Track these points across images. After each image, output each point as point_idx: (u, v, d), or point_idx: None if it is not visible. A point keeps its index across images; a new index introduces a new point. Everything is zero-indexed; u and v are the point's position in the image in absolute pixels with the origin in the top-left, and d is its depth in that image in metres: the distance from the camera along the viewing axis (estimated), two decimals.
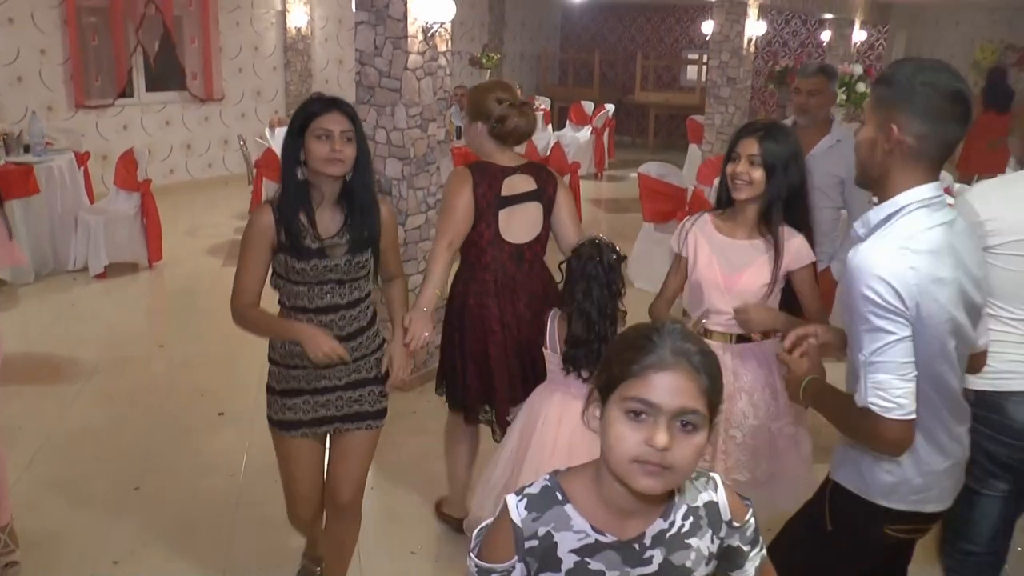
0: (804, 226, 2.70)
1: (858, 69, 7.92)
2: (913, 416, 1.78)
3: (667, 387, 1.30)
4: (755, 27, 9.87)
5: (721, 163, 2.67)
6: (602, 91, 15.61)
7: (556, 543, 1.40)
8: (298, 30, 11.96)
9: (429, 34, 4.61)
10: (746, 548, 1.49)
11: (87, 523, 3.52)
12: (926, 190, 1.82)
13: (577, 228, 3.13)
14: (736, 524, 1.46)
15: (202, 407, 4.62)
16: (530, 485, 1.45)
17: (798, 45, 15.53)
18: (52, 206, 6.88)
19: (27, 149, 7.06)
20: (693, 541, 1.42)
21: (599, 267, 2.62)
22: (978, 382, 2.28)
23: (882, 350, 1.77)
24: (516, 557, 1.41)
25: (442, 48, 4.74)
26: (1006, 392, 2.36)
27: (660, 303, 2.92)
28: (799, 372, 2.09)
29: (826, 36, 14.30)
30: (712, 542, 1.44)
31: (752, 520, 1.49)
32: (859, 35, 14.31)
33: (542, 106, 13.21)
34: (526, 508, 1.41)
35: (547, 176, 3.14)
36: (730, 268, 2.68)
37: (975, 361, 2.07)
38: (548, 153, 8.82)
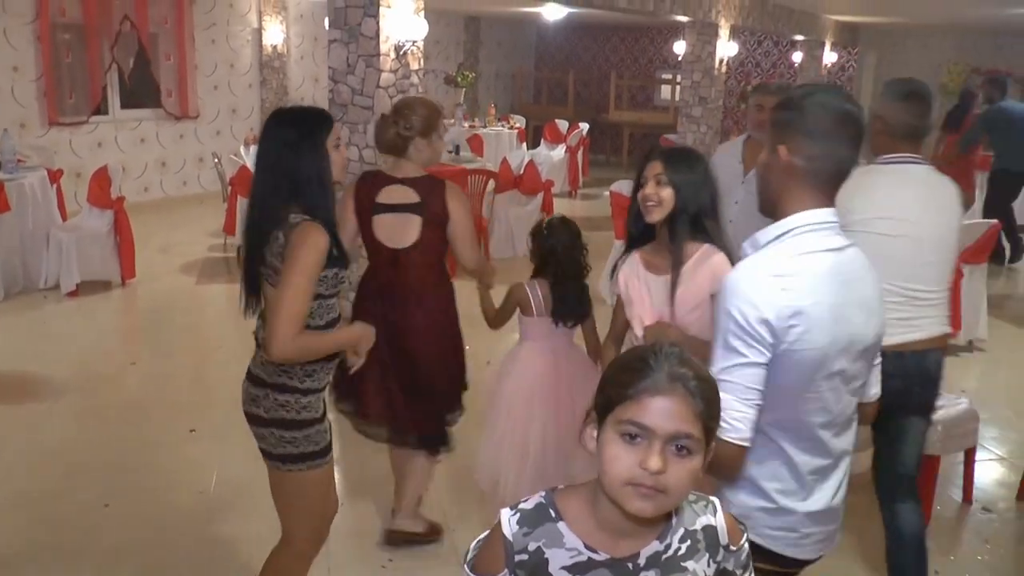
0: (719, 242, 2.57)
1: None
2: (746, 443, 1.74)
3: (662, 411, 1.30)
4: (726, 48, 10.03)
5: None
6: (576, 110, 15.73)
7: (547, 559, 1.40)
8: (274, 48, 11.99)
9: (401, 52, 4.67)
10: (739, 572, 1.49)
11: (57, 541, 3.50)
12: (817, 214, 1.79)
13: (469, 246, 3.29)
14: (732, 548, 1.46)
15: (174, 424, 4.61)
16: (525, 500, 1.46)
17: (770, 66, 15.75)
18: (23, 223, 6.83)
19: None
20: (689, 564, 1.42)
21: (573, 237, 3.26)
22: None
23: (730, 370, 1.74)
24: (506, 570, 1.42)
25: (414, 66, 4.80)
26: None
27: (608, 343, 2.92)
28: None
29: (798, 57, 14.53)
30: (708, 566, 1.43)
31: (745, 545, 1.49)
32: (830, 56, 14.55)
33: (517, 124, 13.30)
34: (518, 523, 1.42)
35: (436, 193, 3.22)
36: (662, 304, 2.58)
37: (863, 411, 2.02)
38: (522, 171, 8.88)
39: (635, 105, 16.53)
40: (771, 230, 1.82)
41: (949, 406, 3.87)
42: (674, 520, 1.43)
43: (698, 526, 1.44)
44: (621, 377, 1.35)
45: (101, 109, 10.05)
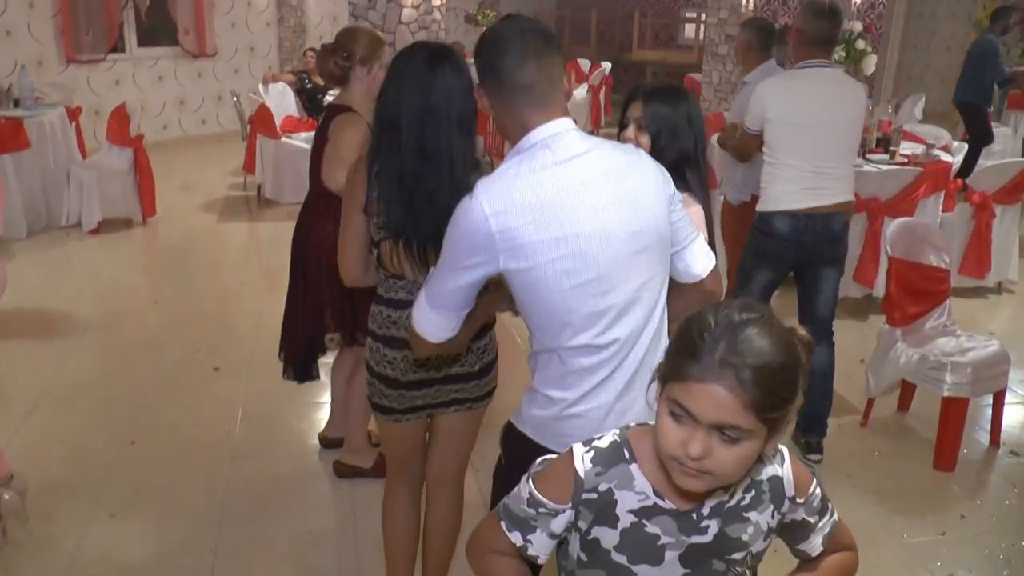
0: (700, 193, 2.42)
1: (857, 26, 7.83)
2: (438, 339, 1.83)
3: (706, 399, 1.22)
4: None
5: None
6: (599, 49, 15.44)
7: (616, 500, 1.38)
8: None
9: None
10: (812, 520, 1.45)
11: (84, 476, 3.53)
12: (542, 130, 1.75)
13: (328, 166, 3.19)
14: (799, 500, 1.41)
15: (197, 362, 4.63)
16: (599, 437, 1.42)
17: (797, 3, 15.36)
18: (44, 161, 6.82)
19: (17, 104, 7.00)
20: (752, 515, 1.39)
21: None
22: (758, 206, 3.67)
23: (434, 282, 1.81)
24: (570, 504, 1.39)
25: (436, 2, 4.69)
26: (773, 211, 3.57)
27: None
28: None
29: None
30: (772, 517, 1.41)
31: (818, 490, 1.44)
32: None
33: None
34: (592, 461, 1.39)
35: (331, 121, 3.23)
36: None
37: (698, 289, 1.93)
38: None
39: (659, 44, 16.18)
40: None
41: (979, 348, 3.82)
42: None
43: (764, 476, 1.40)
44: (676, 352, 1.28)
45: (118, 47, 9.96)
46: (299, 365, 3.56)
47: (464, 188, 2.00)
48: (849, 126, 3.66)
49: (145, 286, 6.12)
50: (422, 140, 2.18)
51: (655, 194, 1.77)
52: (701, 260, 1.92)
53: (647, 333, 1.78)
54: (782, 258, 3.66)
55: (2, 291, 3.00)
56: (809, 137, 3.54)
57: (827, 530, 1.47)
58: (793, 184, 3.54)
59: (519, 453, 1.80)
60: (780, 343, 1.25)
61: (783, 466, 1.41)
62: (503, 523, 1.45)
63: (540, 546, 1.43)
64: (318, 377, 3.62)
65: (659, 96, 2.37)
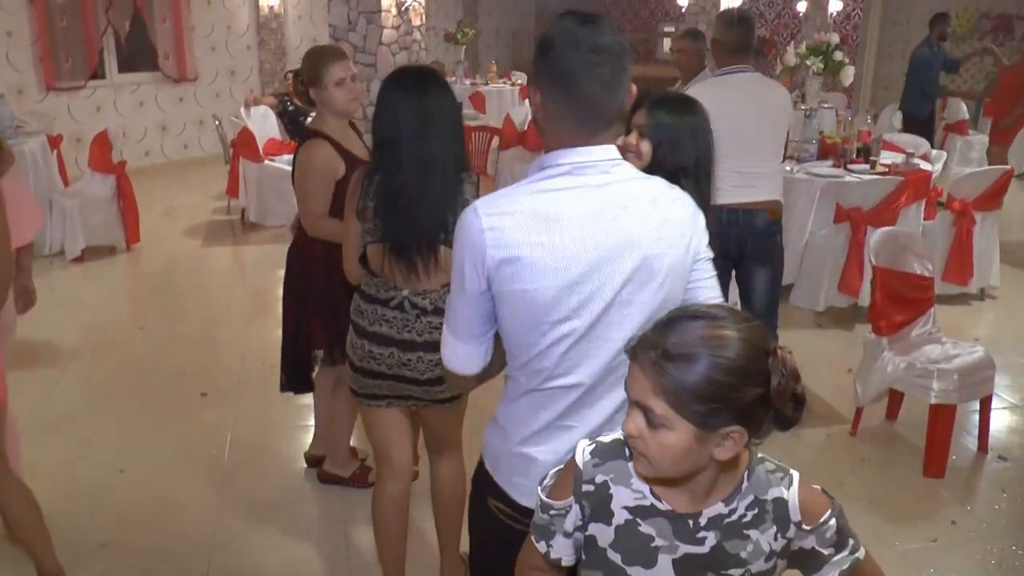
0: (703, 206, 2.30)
1: (834, 38, 7.92)
2: (470, 372, 1.72)
3: (631, 376, 1.32)
4: None
5: None
6: None
7: (612, 495, 1.41)
8: (270, 8, 11.81)
9: (403, 8, 4.58)
10: (824, 551, 1.41)
11: (72, 505, 3.50)
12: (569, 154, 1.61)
13: (299, 202, 3.34)
14: (807, 527, 1.39)
15: (184, 388, 4.60)
16: (606, 434, 1.49)
17: (775, 16, 15.51)
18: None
19: None
20: (753, 533, 1.39)
21: None
22: None
23: (453, 308, 1.69)
24: (572, 498, 1.43)
25: (416, 23, 4.72)
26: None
27: None
28: None
29: (802, 7, 14.28)
30: (775, 539, 1.39)
31: (832, 522, 1.40)
32: (835, 5, 14.29)
33: (519, 81, 13.13)
34: (591, 453, 1.44)
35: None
36: None
37: None
38: (526, 127, 8.78)
39: (637, 59, 16.30)
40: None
41: (964, 354, 3.84)
42: (745, 485, 1.39)
43: (769, 496, 1.39)
44: None
45: (98, 73, 9.95)
46: (293, 377, 3.59)
47: (454, 193, 2.42)
48: (771, 126, 3.93)
49: (130, 313, 6.08)
50: (420, 153, 2.40)
51: (670, 246, 1.61)
52: None
53: (618, 392, 1.60)
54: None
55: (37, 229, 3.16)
56: (731, 138, 3.61)
57: (845, 566, 1.42)
58: (721, 182, 3.54)
59: (478, 484, 1.81)
60: (729, 348, 1.26)
61: (789, 489, 1.40)
62: (532, 537, 1.51)
63: (560, 548, 1.47)
64: (311, 389, 3.65)
65: (664, 106, 2.35)
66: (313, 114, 8.58)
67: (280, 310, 3.61)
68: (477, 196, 2.38)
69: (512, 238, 1.54)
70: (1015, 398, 4.54)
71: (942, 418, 3.71)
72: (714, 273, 1.72)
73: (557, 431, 1.64)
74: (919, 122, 8.65)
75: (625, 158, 2.27)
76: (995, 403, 4.12)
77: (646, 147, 2.29)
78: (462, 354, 1.70)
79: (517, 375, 1.68)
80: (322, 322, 3.39)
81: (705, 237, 1.70)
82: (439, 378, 2.50)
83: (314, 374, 3.60)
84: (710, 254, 1.72)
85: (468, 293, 1.62)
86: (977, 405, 4.01)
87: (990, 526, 3.43)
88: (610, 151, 1.63)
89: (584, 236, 1.55)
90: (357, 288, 2.63)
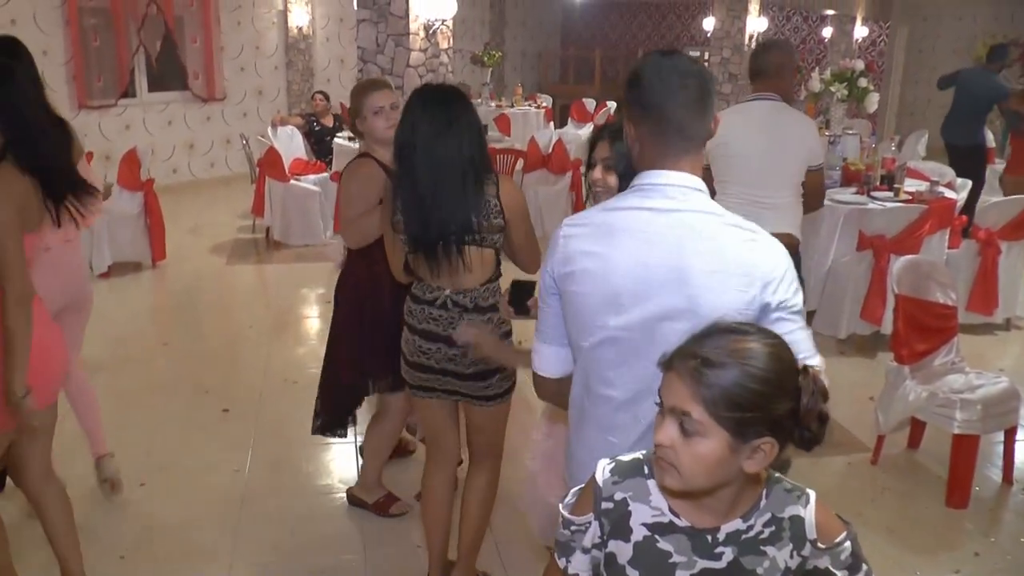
0: None
1: (859, 65, 7.90)
2: (551, 374, 1.85)
3: (668, 384, 1.35)
4: (756, 23, 9.90)
5: None
6: (603, 88, 15.60)
7: (630, 512, 1.44)
8: (299, 29, 11.98)
9: (431, 31, 4.64)
10: (838, 573, 1.44)
11: (94, 518, 3.53)
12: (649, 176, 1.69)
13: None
14: (822, 545, 1.42)
15: (207, 404, 4.64)
16: (626, 454, 1.51)
17: (799, 41, 15.53)
18: None
19: None
20: (770, 550, 1.41)
21: None
22: None
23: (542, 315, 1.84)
24: (592, 514, 1.46)
25: (444, 45, 4.77)
26: None
27: None
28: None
29: (827, 32, 14.31)
30: (791, 557, 1.42)
31: (847, 544, 1.43)
32: (861, 31, 14.32)
33: (544, 104, 13.21)
34: (611, 471, 1.47)
35: None
36: None
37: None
38: (550, 150, 8.82)
39: None
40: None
41: (988, 385, 3.81)
42: (763, 503, 1.42)
43: (786, 514, 1.42)
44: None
45: (129, 92, 10.11)
46: (333, 418, 3.57)
47: (474, 195, 2.54)
48: (787, 157, 3.86)
49: (155, 329, 6.15)
50: (435, 156, 2.52)
51: (723, 291, 1.58)
52: None
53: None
54: None
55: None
56: (745, 167, 3.78)
57: None
58: (730, 209, 3.61)
59: None
60: (759, 360, 1.31)
61: (807, 508, 1.43)
62: (555, 555, 1.54)
63: (578, 564, 1.51)
64: (345, 435, 3.64)
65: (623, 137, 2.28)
66: (341, 135, 8.72)
67: (304, 328, 3.63)
68: (498, 197, 2.58)
69: (578, 247, 1.71)
70: None
71: (965, 448, 3.67)
72: (798, 327, 1.63)
73: (604, 445, 1.71)
74: (973, 150, 8.08)
75: (594, 195, 2.34)
76: (1021, 435, 4.07)
77: (613, 180, 2.29)
78: (545, 355, 1.85)
79: (575, 386, 1.80)
80: (386, 345, 3.18)
81: (788, 287, 1.62)
82: (482, 373, 2.71)
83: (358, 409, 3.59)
84: (795, 306, 1.64)
85: (547, 295, 1.79)
86: (1002, 436, 3.97)
87: (1015, 559, 3.38)
88: (686, 178, 1.67)
89: (636, 254, 1.63)
90: (408, 291, 2.84)
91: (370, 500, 3.63)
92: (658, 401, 1.37)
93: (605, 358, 1.69)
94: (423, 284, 2.75)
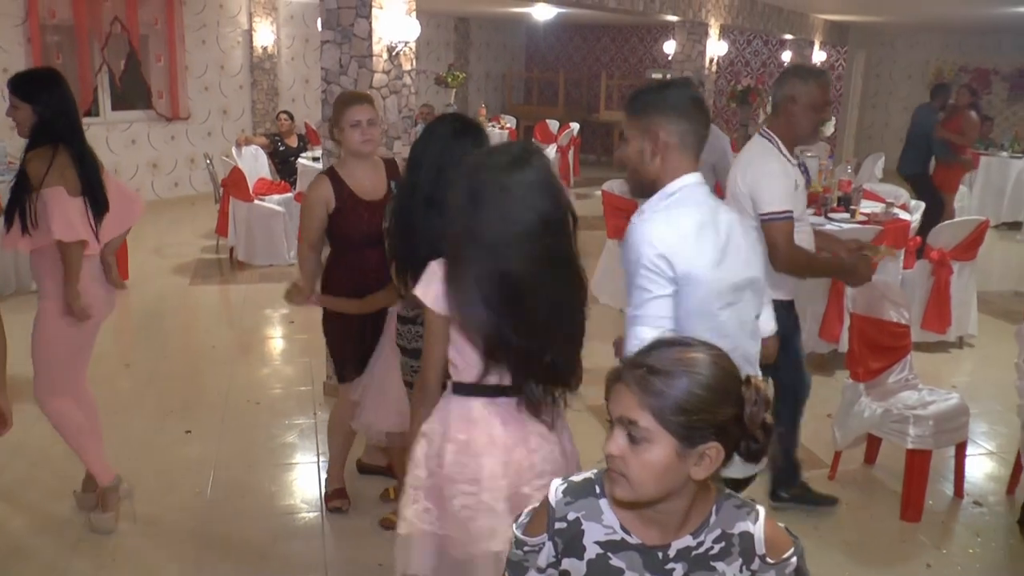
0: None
1: None
2: None
3: (615, 395, 1.39)
4: (716, 47, 10.06)
5: None
6: (567, 110, 15.76)
7: (583, 531, 1.47)
8: (264, 49, 11.98)
9: (394, 53, 4.68)
10: None
11: (54, 542, 3.50)
12: (692, 177, 2.24)
13: None
14: (771, 560, 1.45)
15: (169, 426, 4.61)
16: (577, 474, 1.55)
17: (760, 65, 15.81)
18: None
19: None
20: (719, 566, 1.44)
21: None
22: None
23: (642, 305, 2.12)
24: (546, 535, 1.49)
25: (407, 67, 4.81)
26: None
27: None
28: None
29: (787, 56, 14.58)
30: (741, 571, 1.45)
31: (793, 559, 1.47)
32: (819, 55, 14.60)
33: (508, 125, 13.32)
34: (563, 492, 1.50)
35: None
36: None
37: (767, 349, 2.62)
38: None
39: (625, 104, 16.54)
40: (659, 196, 2.24)
41: (940, 401, 3.91)
42: (712, 519, 1.45)
43: (736, 530, 1.46)
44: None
45: (92, 111, 10.03)
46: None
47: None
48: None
49: (117, 350, 6.09)
50: (432, 194, 2.63)
51: (752, 247, 2.37)
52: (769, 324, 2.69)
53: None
54: None
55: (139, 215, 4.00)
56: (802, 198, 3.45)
57: None
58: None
59: None
60: (703, 367, 1.36)
61: (756, 523, 1.46)
62: (506, 574, 1.56)
63: None
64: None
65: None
66: (305, 155, 8.74)
67: (268, 349, 3.68)
68: None
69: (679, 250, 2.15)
70: (991, 445, 4.61)
71: (918, 463, 3.76)
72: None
73: None
74: (922, 177, 8.76)
75: None
76: (972, 449, 4.18)
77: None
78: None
79: None
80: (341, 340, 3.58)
81: None
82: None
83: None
84: None
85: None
86: (953, 451, 4.07)
87: (964, 569, 3.47)
88: (698, 177, 2.25)
89: (715, 240, 2.19)
90: (399, 316, 3.04)
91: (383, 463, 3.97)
92: (609, 416, 1.40)
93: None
94: (407, 302, 2.82)
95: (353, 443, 3.83)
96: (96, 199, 3.43)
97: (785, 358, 3.21)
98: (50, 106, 3.33)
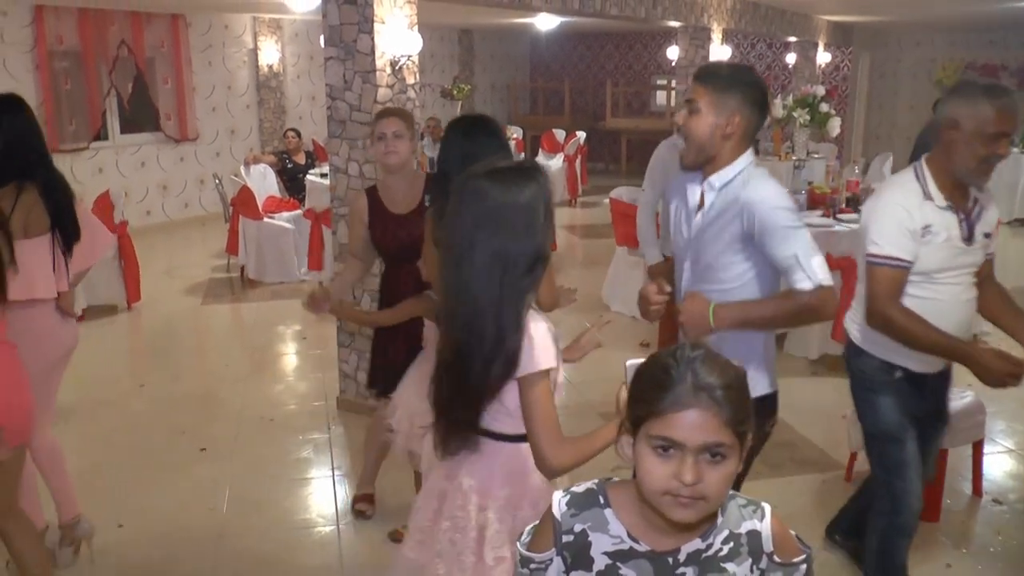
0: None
1: (820, 90, 8.10)
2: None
3: (690, 425, 1.30)
4: (720, 52, 10.05)
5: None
6: (573, 119, 15.78)
7: (591, 542, 1.45)
8: (270, 67, 12.05)
9: (397, 67, 4.70)
10: None
11: (69, 558, 3.51)
12: (750, 156, 2.47)
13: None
14: (778, 559, 1.44)
15: (183, 445, 4.63)
16: (578, 485, 1.52)
17: (764, 68, 15.79)
18: None
19: None
20: (730, 566, 1.43)
21: None
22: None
23: (808, 239, 2.31)
24: (554, 550, 1.46)
25: (410, 80, 4.83)
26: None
27: None
28: (697, 307, 2.35)
29: (791, 59, 14.56)
30: (751, 571, 1.44)
31: (804, 567, 1.45)
32: (824, 56, 14.57)
33: (514, 135, 13.34)
34: (567, 504, 1.47)
35: None
36: None
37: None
38: None
39: (631, 112, 16.58)
40: (726, 173, 2.45)
41: (955, 399, 3.87)
42: (719, 520, 1.44)
43: (743, 530, 1.45)
44: (647, 393, 1.35)
45: (101, 134, 10.12)
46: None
47: None
48: None
49: (130, 371, 6.12)
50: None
51: None
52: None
53: None
54: None
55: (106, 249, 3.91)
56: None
57: None
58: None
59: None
60: (729, 366, 1.36)
61: (763, 521, 1.45)
62: None
63: None
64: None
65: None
66: (313, 172, 8.77)
67: (281, 365, 3.68)
68: None
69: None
70: (1010, 442, 4.57)
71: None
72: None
73: None
74: None
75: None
76: (990, 448, 4.15)
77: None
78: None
79: None
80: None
81: None
82: None
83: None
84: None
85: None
86: (971, 449, 4.04)
87: (985, 569, 3.44)
88: (752, 156, 2.51)
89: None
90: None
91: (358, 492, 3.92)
92: (664, 445, 1.32)
93: None
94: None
95: (388, 453, 3.76)
96: (66, 231, 3.37)
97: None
98: (12, 130, 3.19)
